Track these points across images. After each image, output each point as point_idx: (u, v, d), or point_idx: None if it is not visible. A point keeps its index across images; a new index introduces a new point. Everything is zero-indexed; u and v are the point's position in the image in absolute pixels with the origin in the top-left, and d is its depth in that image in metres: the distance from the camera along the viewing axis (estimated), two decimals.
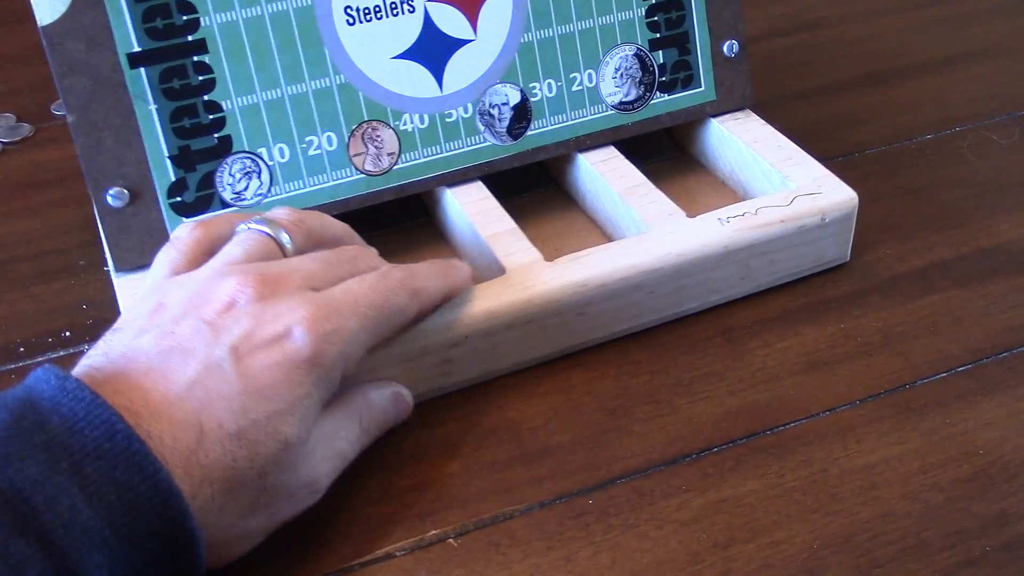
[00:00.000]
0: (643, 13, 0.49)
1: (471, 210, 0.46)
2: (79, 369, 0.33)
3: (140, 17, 0.41)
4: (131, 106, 0.42)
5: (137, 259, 0.43)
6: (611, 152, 0.50)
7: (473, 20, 0.46)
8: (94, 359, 0.33)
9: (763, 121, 0.52)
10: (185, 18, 0.42)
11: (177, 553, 0.31)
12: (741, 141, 0.51)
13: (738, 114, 0.52)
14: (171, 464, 0.31)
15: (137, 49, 0.41)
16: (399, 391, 0.40)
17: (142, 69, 0.41)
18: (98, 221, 0.43)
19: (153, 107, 0.42)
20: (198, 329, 0.33)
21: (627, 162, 0.49)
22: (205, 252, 0.38)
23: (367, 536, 0.37)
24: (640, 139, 0.51)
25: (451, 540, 0.37)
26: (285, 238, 0.38)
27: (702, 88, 0.51)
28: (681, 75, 0.51)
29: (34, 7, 0.40)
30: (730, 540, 0.37)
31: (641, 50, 0.49)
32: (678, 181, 0.52)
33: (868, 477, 0.39)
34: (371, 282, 0.37)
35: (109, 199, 0.42)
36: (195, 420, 0.32)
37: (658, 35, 0.50)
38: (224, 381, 0.32)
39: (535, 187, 0.53)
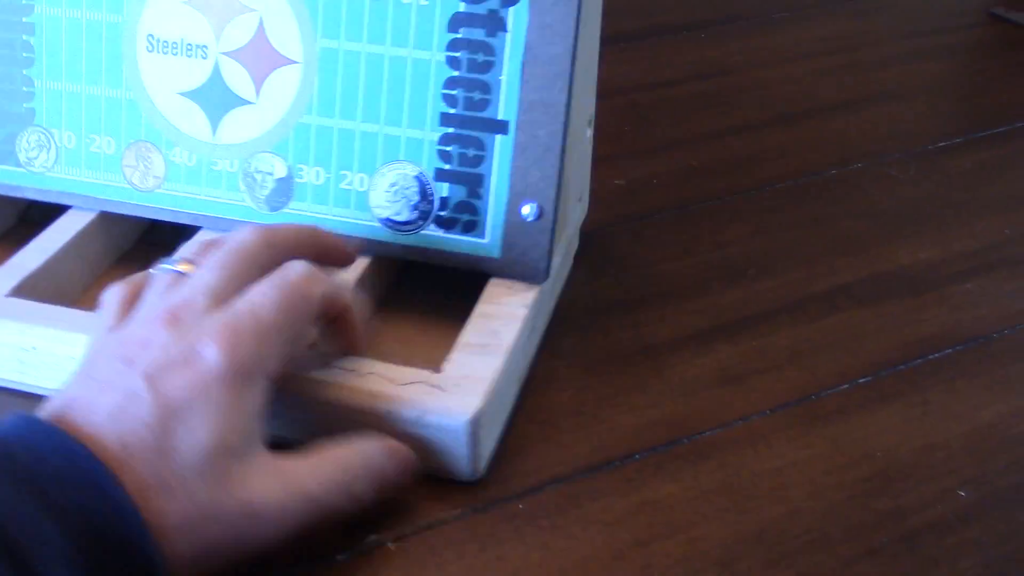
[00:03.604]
0: (436, 139, 0.45)
1: None
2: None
3: None
4: None
5: None
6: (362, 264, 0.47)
7: (258, 84, 0.47)
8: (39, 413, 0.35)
9: (525, 306, 0.45)
10: (23, 3, 0.49)
11: (139, 569, 0.32)
12: (475, 311, 0.45)
13: (520, 286, 0.45)
14: None
15: None
16: (398, 447, 0.39)
17: None
18: None
19: None
20: (115, 367, 0.36)
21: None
22: (132, 307, 0.39)
23: (308, 542, 0.39)
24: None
25: (389, 545, 0.39)
26: (186, 267, 0.40)
27: (485, 240, 0.45)
28: (464, 217, 0.45)
29: None
30: (650, 538, 0.40)
31: (423, 175, 0.45)
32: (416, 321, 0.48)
33: (777, 479, 0.42)
34: (272, 282, 0.38)
35: None
36: (119, 442, 0.33)
37: (447, 167, 0.45)
38: (141, 404, 0.34)
39: None
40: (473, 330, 0.43)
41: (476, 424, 0.39)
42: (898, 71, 0.75)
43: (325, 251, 0.42)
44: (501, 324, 0.44)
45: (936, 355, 0.49)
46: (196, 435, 0.34)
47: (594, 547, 0.39)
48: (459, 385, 0.40)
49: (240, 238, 0.40)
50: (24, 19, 0.49)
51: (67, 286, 0.49)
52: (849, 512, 0.41)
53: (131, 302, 0.39)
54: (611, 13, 0.80)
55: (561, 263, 0.49)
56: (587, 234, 0.56)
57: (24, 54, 0.49)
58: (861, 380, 0.47)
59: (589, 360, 0.48)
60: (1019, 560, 0.39)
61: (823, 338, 0.50)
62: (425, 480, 0.41)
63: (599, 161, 0.62)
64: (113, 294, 0.40)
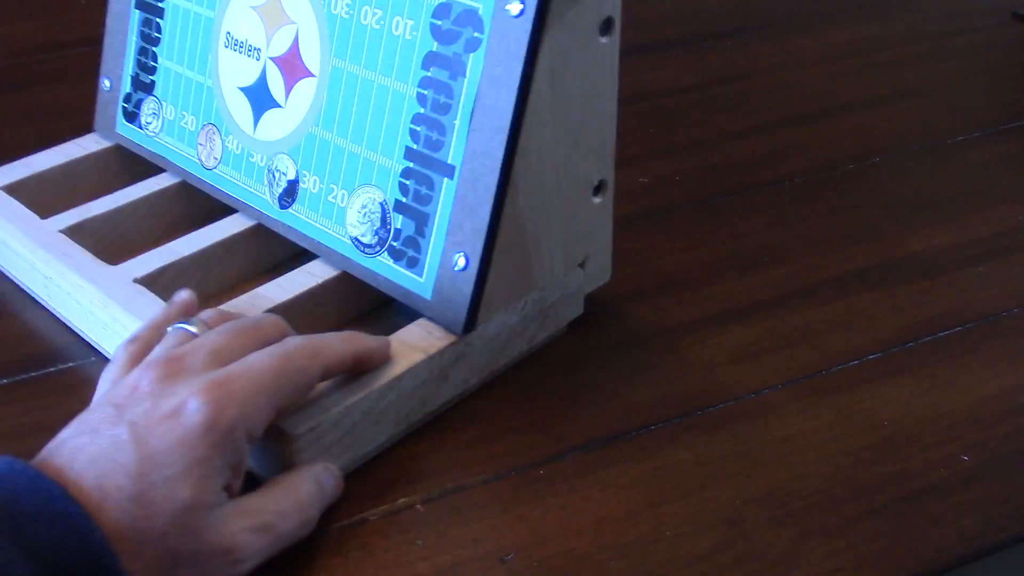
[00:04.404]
0: (400, 171, 0.45)
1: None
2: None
3: None
4: (127, 36, 0.57)
5: (105, 124, 0.59)
6: (330, 274, 0.49)
7: (287, 90, 0.49)
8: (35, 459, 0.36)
9: (425, 352, 0.44)
10: None
11: None
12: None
13: (439, 332, 0.45)
14: None
15: None
16: (327, 466, 0.41)
17: (139, 11, 0.56)
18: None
19: (134, 39, 0.56)
20: (105, 413, 0.37)
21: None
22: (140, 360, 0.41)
23: (343, 504, 0.42)
24: None
25: (418, 506, 0.42)
26: (202, 329, 0.41)
27: (422, 279, 0.45)
28: (410, 252, 0.45)
29: None
30: (662, 499, 0.42)
31: (386, 203, 0.46)
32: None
33: (785, 446, 0.44)
34: (270, 350, 0.39)
35: (104, 83, 0.58)
36: (97, 486, 0.34)
37: (405, 200, 0.45)
38: (123, 451, 0.35)
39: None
40: None
41: (292, 451, 0.40)
42: (919, 71, 0.77)
43: (367, 357, 0.42)
44: (390, 363, 0.43)
45: (945, 332, 0.51)
46: (174, 489, 0.35)
47: (609, 508, 0.42)
48: (301, 410, 0.41)
49: (262, 321, 0.41)
50: (159, 3, 0.55)
51: (133, 237, 0.54)
52: (854, 475, 0.43)
53: (141, 356, 0.41)
54: (637, 25, 0.83)
55: (523, 324, 0.47)
56: None
57: (155, 34, 0.56)
58: (871, 356, 0.49)
59: (608, 342, 0.50)
60: (1018, 517, 0.41)
61: (835, 319, 0.52)
62: (452, 450, 0.44)
63: (619, 163, 0.65)
64: (124, 347, 0.42)
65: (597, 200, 0.48)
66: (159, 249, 0.50)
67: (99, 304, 0.48)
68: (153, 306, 0.47)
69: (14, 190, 0.55)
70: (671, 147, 0.67)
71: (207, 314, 0.43)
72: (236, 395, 0.37)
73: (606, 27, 0.44)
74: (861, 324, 0.51)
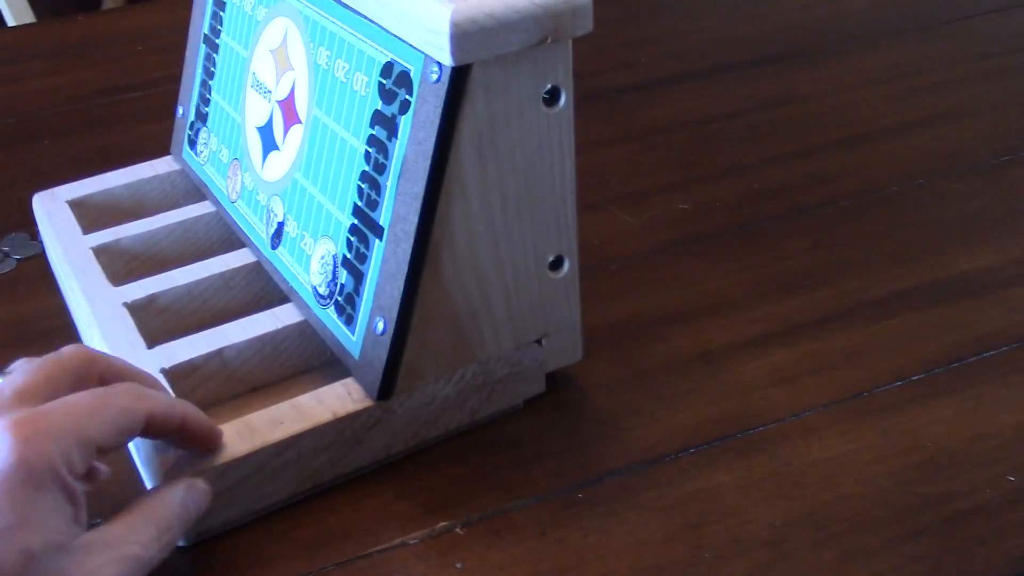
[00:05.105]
0: (348, 226, 0.44)
1: None
2: None
3: (211, 16, 0.59)
4: (196, 68, 0.60)
5: (176, 149, 0.62)
6: (293, 320, 0.48)
7: (284, 133, 0.50)
8: None
9: (333, 413, 0.43)
10: (218, 27, 0.58)
11: None
12: (293, 400, 0.44)
13: (359, 394, 0.44)
14: None
15: (206, 32, 0.59)
16: (192, 481, 0.40)
17: (204, 45, 0.59)
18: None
19: (199, 72, 0.60)
20: None
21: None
22: None
23: (384, 527, 0.42)
24: None
25: (457, 530, 0.42)
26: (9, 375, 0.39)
27: (354, 338, 0.44)
28: (348, 309, 0.44)
29: None
30: (702, 522, 0.42)
31: (336, 257, 0.45)
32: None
33: (827, 468, 0.44)
34: (91, 391, 0.38)
35: (179, 110, 0.62)
36: None
37: (348, 255, 0.44)
38: None
39: None
40: (267, 414, 0.43)
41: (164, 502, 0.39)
42: (963, 92, 0.76)
43: (193, 433, 0.40)
44: (293, 420, 0.42)
45: (990, 353, 0.50)
46: (14, 540, 0.33)
47: (648, 530, 0.42)
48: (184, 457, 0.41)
49: (62, 352, 0.39)
50: (216, 40, 0.58)
51: (166, 260, 0.55)
52: (897, 497, 0.42)
53: None
54: (679, 54, 0.84)
55: (461, 397, 0.46)
56: (644, 255, 0.59)
57: (212, 68, 0.58)
58: (914, 378, 0.49)
59: (649, 366, 0.51)
60: None
61: (878, 340, 0.51)
62: (491, 473, 0.45)
63: (660, 190, 0.65)
64: None
65: (555, 276, 0.45)
66: (159, 276, 0.51)
67: (85, 323, 0.50)
68: (128, 334, 0.48)
69: (78, 204, 0.58)
70: (712, 173, 0.67)
71: (16, 364, 0.40)
72: (48, 430, 0.34)
73: (551, 97, 0.41)
74: (904, 345, 0.51)
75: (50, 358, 0.39)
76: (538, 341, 0.47)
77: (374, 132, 0.43)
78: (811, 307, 0.54)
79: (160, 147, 0.64)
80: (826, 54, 0.83)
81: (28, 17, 1.10)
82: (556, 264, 0.45)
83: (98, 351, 0.41)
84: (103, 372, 0.40)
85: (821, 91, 0.78)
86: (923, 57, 0.82)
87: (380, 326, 0.42)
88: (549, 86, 0.41)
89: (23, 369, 0.38)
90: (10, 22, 1.09)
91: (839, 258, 0.58)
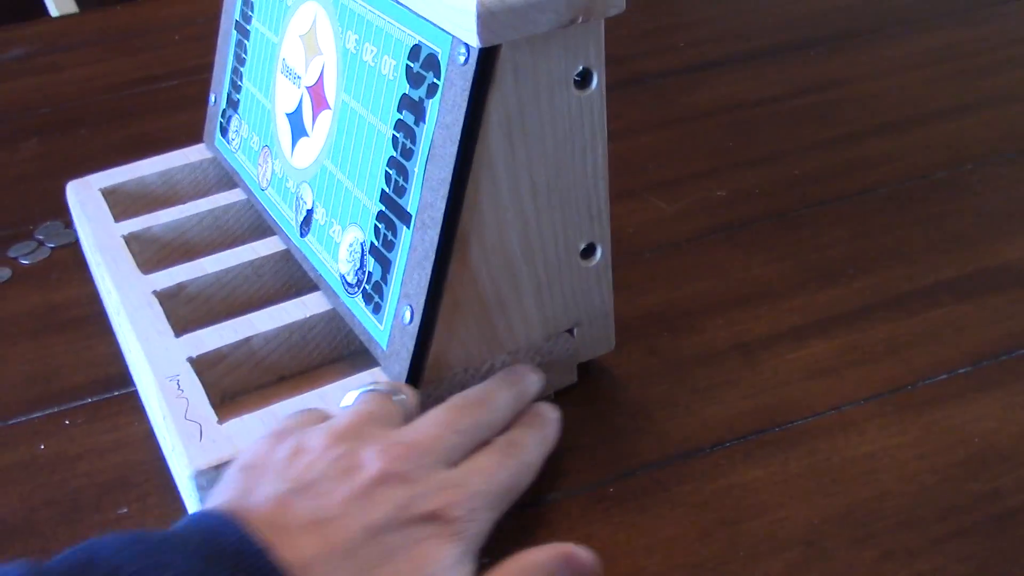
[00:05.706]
0: (375, 213, 0.44)
1: None
2: (230, 507, 0.34)
3: (243, 2, 0.58)
4: (227, 55, 0.60)
5: (209, 137, 0.61)
6: (322, 308, 0.47)
7: (314, 119, 0.49)
8: (235, 498, 0.35)
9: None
10: (249, 14, 0.57)
11: None
12: (318, 389, 0.44)
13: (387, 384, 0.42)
14: None
15: (238, 19, 0.59)
16: (565, 550, 0.36)
17: (235, 31, 0.59)
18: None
19: (231, 59, 0.59)
20: (349, 498, 0.35)
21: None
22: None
23: None
24: None
25: None
26: (401, 397, 0.40)
27: (382, 328, 0.43)
28: (376, 298, 0.44)
29: None
30: (737, 518, 0.41)
31: (364, 244, 0.44)
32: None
33: (867, 463, 0.43)
34: (498, 460, 0.39)
35: (212, 98, 0.61)
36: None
37: (376, 243, 0.44)
38: (377, 555, 0.34)
39: None
40: (294, 403, 0.42)
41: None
42: (1010, 76, 0.74)
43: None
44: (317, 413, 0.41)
45: None
46: None
47: (681, 527, 0.40)
48: (214, 441, 0.40)
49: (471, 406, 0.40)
50: (247, 26, 0.57)
51: (197, 248, 0.55)
52: (941, 494, 0.41)
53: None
54: (720, 38, 0.82)
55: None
56: (680, 243, 0.57)
57: (243, 54, 0.57)
58: (960, 370, 0.47)
59: (684, 357, 0.49)
60: None
61: (922, 331, 0.50)
62: None
63: (697, 176, 0.64)
64: (292, 415, 0.40)
65: (587, 264, 0.44)
66: (188, 264, 0.51)
67: (115, 310, 0.49)
68: (157, 322, 0.47)
69: (111, 192, 0.58)
70: (751, 159, 0.66)
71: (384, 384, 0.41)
72: (481, 511, 0.36)
73: (582, 79, 0.40)
74: (950, 336, 0.49)
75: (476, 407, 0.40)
76: (569, 331, 0.46)
77: (402, 117, 0.42)
78: (852, 297, 0.52)
79: (194, 135, 0.63)
80: (868, 37, 0.81)
81: (71, 7, 1.11)
82: (588, 252, 0.44)
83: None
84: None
85: (863, 75, 0.76)
86: (969, 40, 0.79)
87: (407, 316, 0.42)
88: (580, 68, 0.40)
89: (442, 424, 0.39)
90: (53, 12, 1.09)
91: (881, 247, 0.56)
